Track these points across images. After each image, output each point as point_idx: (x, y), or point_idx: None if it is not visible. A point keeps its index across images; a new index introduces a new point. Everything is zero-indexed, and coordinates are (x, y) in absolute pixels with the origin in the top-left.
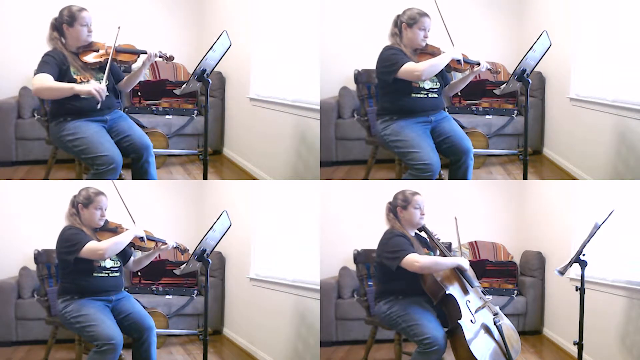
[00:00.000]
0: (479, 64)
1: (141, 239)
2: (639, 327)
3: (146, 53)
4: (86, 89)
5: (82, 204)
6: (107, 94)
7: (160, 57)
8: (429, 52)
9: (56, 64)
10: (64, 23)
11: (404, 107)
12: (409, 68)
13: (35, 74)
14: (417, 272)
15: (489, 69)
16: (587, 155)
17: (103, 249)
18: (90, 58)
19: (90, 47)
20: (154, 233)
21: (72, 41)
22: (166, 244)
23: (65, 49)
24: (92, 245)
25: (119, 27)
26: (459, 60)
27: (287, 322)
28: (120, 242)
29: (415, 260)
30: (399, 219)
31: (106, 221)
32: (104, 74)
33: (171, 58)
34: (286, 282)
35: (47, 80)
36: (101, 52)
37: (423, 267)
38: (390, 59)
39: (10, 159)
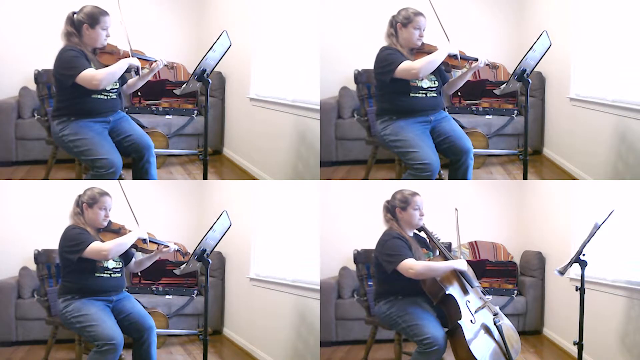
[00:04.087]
0: (476, 60)
1: (144, 241)
2: (639, 327)
3: (156, 61)
4: (136, 62)
5: (87, 203)
6: (116, 97)
7: (165, 65)
8: (426, 51)
9: (85, 58)
10: (85, 23)
11: (403, 106)
12: (406, 66)
13: (76, 70)
14: (413, 278)
15: (487, 64)
16: (587, 155)
17: (107, 249)
18: (107, 60)
19: (105, 50)
20: (154, 233)
21: (90, 42)
22: (168, 247)
23: (82, 47)
24: (96, 246)
25: (121, 22)
26: (455, 56)
27: (287, 322)
28: (123, 243)
29: (410, 266)
30: (398, 220)
31: (109, 222)
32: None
33: (173, 66)
34: (286, 282)
35: (104, 69)
36: (116, 55)
37: (418, 273)
38: (386, 59)
39: (10, 159)
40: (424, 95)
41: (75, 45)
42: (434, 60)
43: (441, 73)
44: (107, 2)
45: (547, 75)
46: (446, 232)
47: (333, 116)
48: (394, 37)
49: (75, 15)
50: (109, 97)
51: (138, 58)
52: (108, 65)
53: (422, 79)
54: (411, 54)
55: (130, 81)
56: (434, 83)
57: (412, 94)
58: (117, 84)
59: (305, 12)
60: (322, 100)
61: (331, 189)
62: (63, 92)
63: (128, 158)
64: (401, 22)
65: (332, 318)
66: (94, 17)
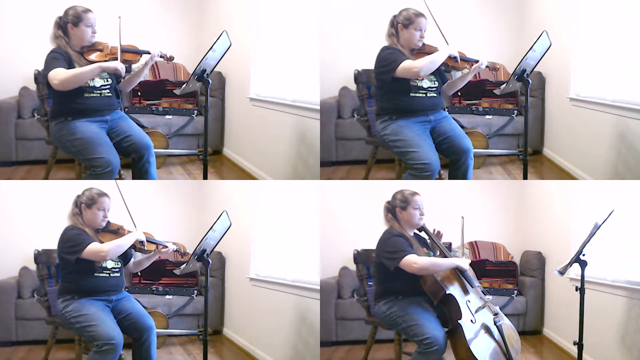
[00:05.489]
0: (477, 61)
1: (142, 242)
2: (639, 327)
3: (149, 53)
4: (112, 66)
5: (85, 204)
6: (110, 94)
7: (161, 57)
8: (426, 51)
9: (64, 60)
10: (69, 23)
11: (403, 106)
12: (407, 65)
13: (48, 70)
14: (416, 274)
15: (487, 66)
16: (587, 155)
17: (105, 251)
18: (95, 57)
19: (94, 47)
20: (154, 233)
21: (76, 41)
22: (167, 247)
23: (69, 48)
24: (94, 247)
25: (119, 17)
26: (455, 58)
27: (287, 322)
28: (122, 244)
29: (414, 261)
30: (398, 219)
31: (108, 222)
32: (107, 73)
33: (171, 58)
34: (286, 282)
35: (69, 70)
36: (105, 51)
37: (421, 268)
38: (388, 58)
39: (10, 159)
40: (424, 95)
41: (60, 47)
42: (435, 60)
43: (441, 73)
44: (109, 3)
45: (547, 75)
46: (446, 233)
47: (333, 116)
48: (394, 37)
49: (61, 19)
50: (102, 95)
51: (130, 52)
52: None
53: (422, 79)
54: (411, 54)
55: (127, 77)
56: (434, 83)
57: (412, 94)
58: (110, 80)
59: (305, 12)
60: (322, 100)
61: (331, 189)
62: (54, 92)
63: (128, 158)
64: (402, 23)
65: (332, 318)
66: (77, 16)
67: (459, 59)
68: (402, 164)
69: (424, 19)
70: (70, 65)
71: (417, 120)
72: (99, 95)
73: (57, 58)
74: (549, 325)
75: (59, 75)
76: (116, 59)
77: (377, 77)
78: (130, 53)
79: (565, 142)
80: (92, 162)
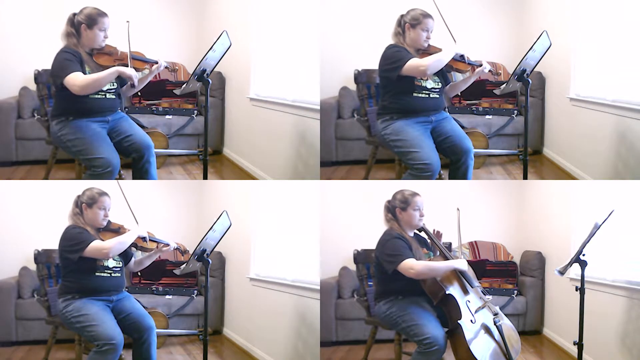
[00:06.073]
0: (480, 65)
1: (144, 239)
2: (639, 327)
3: (157, 62)
4: (129, 73)
5: (86, 203)
6: (114, 97)
7: (166, 67)
8: (431, 52)
9: (77, 61)
10: (83, 24)
11: (405, 106)
12: (414, 63)
13: (64, 73)
14: (414, 278)
15: (490, 71)
16: (587, 155)
17: (107, 248)
18: (104, 60)
19: (103, 51)
20: (154, 233)
21: (87, 42)
22: (168, 245)
23: (79, 48)
24: (96, 244)
25: (127, 21)
26: (462, 56)
27: (287, 322)
28: (124, 241)
29: (411, 267)
30: (398, 220)
31: (109, 222)
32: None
33: (175, 69)
34: (286, 282)
35: (89, 75)
36: (114, 56)
37: (419, 273)
38: (394, 56)
39: (10, 159)
40: (427, 95)
41: (72, 47)
42: (441, 59)
43: (444, 75)
44: (109, 3)
45: (547, 75)
46: (446, 232)
47: (333, 116)
48: (401, 37)
49: (75, 17)
50: (107, 97)
51: (138, 60)
52: (105, 67)
53: (427, 79)
54: (417, 54)
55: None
56: (438, 84)
57: (415, 94)
58: (115, 84)
59: (306, 12)
60: (322, 100)
61: (331, 189)
62: (59, 92)
63: (128, 158)
64: (409, 23)
65: (332, 318)
66: (92, 18)
67: (466, 59)
68: (402, 164)
69: (431, 20)
70: (81, 66)
71: (418, 120)
72: (103, 97)
73: (71, 60)
74: (549, 325)
75: (78, 80)
76: (124, 64)
77: (382, 74)
78: (139, 61)
79: (565, 142)
80: (92, 162)
